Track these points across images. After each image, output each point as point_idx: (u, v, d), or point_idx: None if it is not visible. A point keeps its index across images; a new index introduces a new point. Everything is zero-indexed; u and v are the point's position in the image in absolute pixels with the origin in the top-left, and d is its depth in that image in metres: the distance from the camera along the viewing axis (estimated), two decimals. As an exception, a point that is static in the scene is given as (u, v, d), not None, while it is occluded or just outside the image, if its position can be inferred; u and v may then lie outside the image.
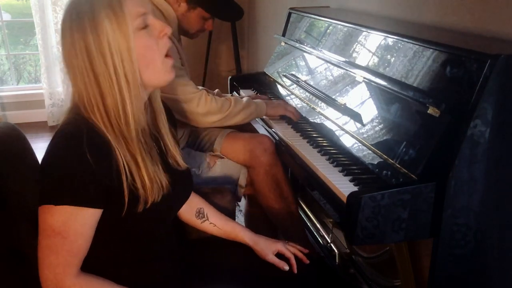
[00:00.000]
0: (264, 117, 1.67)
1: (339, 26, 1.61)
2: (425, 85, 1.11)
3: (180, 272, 1.07)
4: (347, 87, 1.40)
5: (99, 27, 0.84)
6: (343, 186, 1.09)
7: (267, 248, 1.14)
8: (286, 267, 1.11)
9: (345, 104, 1.35)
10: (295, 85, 1.69)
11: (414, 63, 1.17)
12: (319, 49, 1.67)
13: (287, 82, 1.77)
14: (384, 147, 1.11)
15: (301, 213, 1.96)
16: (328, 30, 1.69)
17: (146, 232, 0.98)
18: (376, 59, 1.35)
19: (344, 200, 1.01)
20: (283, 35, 2.04)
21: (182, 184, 1.04)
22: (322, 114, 1.46)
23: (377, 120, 1.20)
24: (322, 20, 1.74)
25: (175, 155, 1.03)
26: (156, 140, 1.00)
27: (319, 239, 1.88)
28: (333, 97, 1.42)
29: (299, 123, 1.57)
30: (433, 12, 1.46)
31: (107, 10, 0.84)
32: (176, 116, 1.48)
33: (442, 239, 1.00)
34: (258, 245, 1.14)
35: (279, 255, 1.14)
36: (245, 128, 1.75)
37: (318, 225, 1.92)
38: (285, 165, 1.58)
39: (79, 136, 0.83)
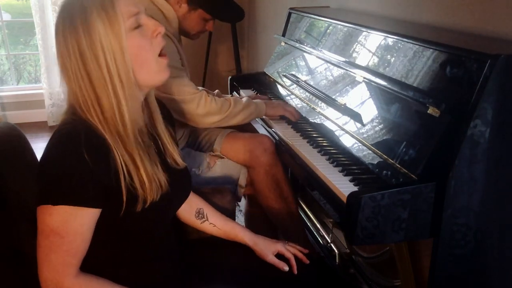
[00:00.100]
0: (264, 117, 1.67)
1: (339, 26, 1.61)
2: (425, 85, 1.11)
3: (179, 272, 1.06)
4: (347, 87, 1.40)
5: (91, 28, 0.84)
6: (343, 186, 1.09)
7: (267, 248, 1.14)
8: (286, 268, 1.11)
9: (345, 104, 1.35)
10: (295, 85, 1.69)
11: (414, 63, 1.17)
12: (319, 49, 1.67)
13: (287, 82, 1.77)
14: (384, 147, 1.11)
15: (301, 213, 1.96)
16: (328, 30, 1.69)
17: (145, 232, 0.97)
18: (376, 59, 1.35)
19: (344, 200, 1.01)
20: (283, 35, 2.04)
21: (181, 183, 1.04)
22: (322, 114, 1.46)
23: (377, 120, 1.20)
24: (322, 20, 1.74)
25: (173, 154, 1.03)
26: (154, 139, 1.00)
27: (319, 239, 1.88)
28: (333, 97, 1.42)
29: (299, 123, 1.57)
30: (433, 12, 1.46)
31: (99, 11, 0.84)
32: (176, 117, 1.48)
33: (442, 239, 1.00)
34: (258, 245, 1.14)
35: (279, 256, 1.14)
36: (245, 128, 1.75)
37: (318, 225, 1.92)
38: (285, 165, 1.58)
39: (77, 136, 0.83)
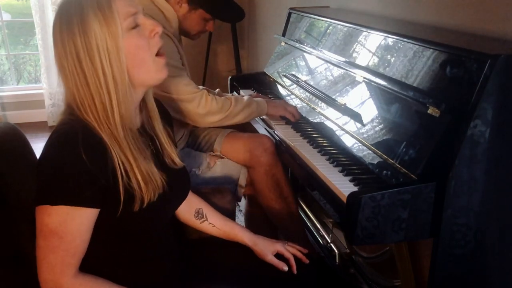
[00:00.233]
0: (264, 117, 1.67)
1: (339, 26, 1.61)
2: (425, 85, 1.11)
3: (179, 272, 1.06)
4: (347, 87, 1.40)
5: (87, 28, 0.84)
6: (343, 186, 1.09)
7: (266, 248, 1.14)
8: (285, 268, 1.11)
9: (345, 104, 1.35)
10: (295, 85, 1.69)
11: (414, 63, 1.17)
12: (319, 49, 1.67)
13: (287, 82, 1.77)
14: (384, 147, 1.11)
15: (301, 213, 1.96)
16: (328, 30, 1.69)
17: (144, 232, 0.97)
18: (376, 59, 1.35)
19: (344, 200, 1.01)
20: (283, 35, 2.04)
21: (179, 183, 1.04)
22: (322, 114, 1.46)
23: (377, 120, 1.20)
24: (322, 20, 1.74)
25: (171, 154, 1.03)
26: (152, 139, 1.00)
27: (319, 239, 1.88)
28: (333, 97, 1.42)
29: (299, 123, 1.57)
30: (433, 12, 1.46)
31: (95, 11, 0.84)
32: (177, 116, 1.48)
33: (442, 239, 1.00)
34: (257, 245, 1.14)
35: (279, 256, 1.14)
36: (246, 128, 1.75)
37: (318, 225, 1.92)
38: (285, 165, 1.58)
39: (74, 136, 0.83)
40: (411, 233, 0.99)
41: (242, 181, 1.59)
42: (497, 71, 0.93)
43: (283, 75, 1.81)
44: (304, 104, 1.60)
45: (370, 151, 1.16)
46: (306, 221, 2.00)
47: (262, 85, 2.02)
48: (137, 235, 0.97)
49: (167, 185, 0.94)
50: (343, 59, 1.49)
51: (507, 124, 0.96)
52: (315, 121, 1.50)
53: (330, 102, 1.42)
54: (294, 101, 1.68)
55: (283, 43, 1.99)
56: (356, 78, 1.37)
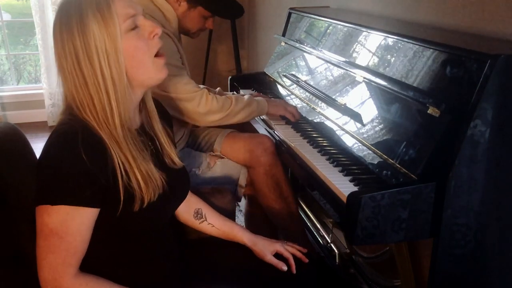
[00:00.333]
0: (264, 117, 1.67)
1: (339, 26, 1.61)
2: (425, 85, 1.11)
3: (179, 272, 1.06)
4: (347, 87, 1.40)
5: (86, 29, 0.84)
6: (343, 186, 1.09)
7: (266, 248, 1.14)
8: (285, 268, 1.11)
9: (345, 104, 1.35)
10: (295, 85, 1.69)
11: (414, 63, 1.17)
12: (319, 49, 1.67)
13: (287, 82, 1.77)
14: (384, 147, 1.11)
15: (301, 213, 1.96)
16: (328, 30, 1.69)
17: (144, 231, 0.97)
18: (376, 59, 1.34)
19: (344, 200, 1.01)
20: (283, 35, 2.04)
21: (179, 182, 1.04)
22: (322, 114, 1.46)
23: (377, 120, 1.20)
24: (322, 20, 1.74)
25: (170, 154, 1.03)
26: (151, 139, 1.01)
27: (319, 239, 1.88)
28: (333, 97, 1.42)
29: (299, 123, 1.57)
30: (433, 12, 1.46)
31: (94, 12, 0.84)
32: (177, 115, 1.48)
33: (442, 239, 1.00)
34: (257, 245, 1.14)
35: (278, 255, 1.14)
36: (246, 128, 1.75)
37: (318, 225, 1.92)
38: (285, 165, 1.58)
39: (74, 136, 0.83)
40: (411, 233, 0.99)
41: (242, 181, 1.59)
42: (497, 71, 0.93)
43: (283, 75, 1.81)
44: (304, 104, 1.60)
45: (370, 151, 1.16)
46: (306, 221, 2.00)
47: (262, 85, 2.02)
48: (137, 235, 0.97)
49: (167, 185, 0.94)
50: (343, 59, 1.49)
51: (507, 124, 0.96)
52: (315, 121, 1.50)
53: (330, 102, 1.42)
54: (294, 101, 1.68)
55: (283, 43, 1.99)
56: (356, 78, 1.37)
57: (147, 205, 0.90)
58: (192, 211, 1.18)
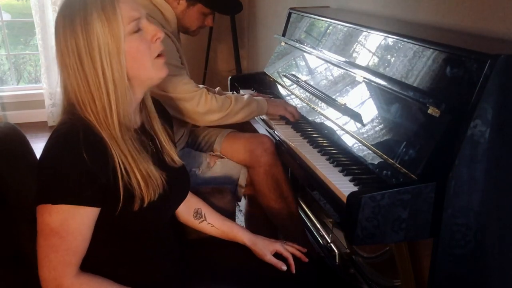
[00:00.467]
0: (264, 116, 1.67)
1: (339, 26, 1.61)
2: (425, 85, 1.11)
3: (179, 272, 1.06)
4: (347, 87, 1.40)
5: (90, 29, 0.84)
6: (343, 186, 1.09)
7: (265, 248, 1.14)
8: (284, 267, 1.11)
9: (345, 104, 1.35)
10: (295, 85, 1.69)
11: (414, 63, 1.17)
12: (319, 49, 1.67)
13: (287, 82, 1.77)
14: (384, 147, 1.11)
15: (301, 213, 1.96)
16: (328, 30, 1.69)
17: (144, 231, 0.98)
18: (376, 59, 1.34)
19: (344, 200, 1.01)
20: (283, 35, 2.04)
21: (179, 181, 1.04)
22: (322, 114, 1.46)
23: (377, 120, 1.20)
24: (322, 20, 1.74)
25: (170, 153, 1.03)
26: (152, 138, 1.01)
27: (319, 239, 1.88)
28: (333, 97, 1.42)
29: (299, 123, 1.57)
30: (433, 12, 1.46)
31: (99, 12, 0.84)
32: (176, 115, 1.48)
33: (442, 239, 1.00)
34: (256, 245, 1.14)
35: (278, 255, 1.14)
36: (246, 128, 1.75)
37: (318, 225, 1.92)
38: (285, 165, 1.58)
39: (75, 136, 0.83)
40: (411, 233, 0.99)
41: (242, 181, 1.59)
42: (497, 71, 0.93)
43: (283, 75, 1.81)
44: (304, 104, 1.60)
45: (370, 151, 1.16)
46: (306, 221, 2.00)
47: (262, 85, 2.02)
48: (138, 235, 0.97)
49: (167, 184, 0.94)
50: (343, 59, 1.49)
51: (507, 124, 0.96)
52: (315, 121, 1.50)
53: (330, 102, 1.42)
54: (294, 101, 1.68)
55: (283, 43, 1.99)
56: (356, 78, 1.37)
57: (148, 204, 0.90)
58: (192, 211, 1.18)
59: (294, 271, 1.12)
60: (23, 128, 1.08)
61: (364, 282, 1.58)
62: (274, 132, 1.58)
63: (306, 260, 1.16)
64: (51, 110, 3.54)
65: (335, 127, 1.37)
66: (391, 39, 1.30)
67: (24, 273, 0.97)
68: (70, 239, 0.84)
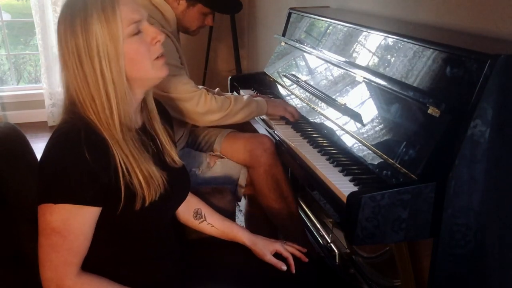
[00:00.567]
0: (264, 117, 1.67)
1: (339, 26, 1.61)
2: (425, 85, 1.11)
3: (180, 272, 1.07)
4: (347, 87, 1.40)
5: (89, 30, 0.84)
6: (343, 186, 1.09)
7: (265, 248, 1.14)
8: (284, 267, 1.11)
9: (345, 104, 1.35)
10: (295, 85, 1.69)
11: (414, 63, 1.17)
12: (319, 49, 1.67)
13: (287, 82, 1.77)
14: (384, 147, 1.11)
15: (301, 213, 1.96)
16: (328, 30, 1.69)
17: (145, 231, 0.98)
18: (376, 59, 1.34)
19: (344, 200, 1.01)
20: (283, 35, 2.04)
21: (180, 181, 1.05)
22: (322, 114, 1.46)
23: (377, 120, 1.20)
24: (322, 20, 1.74)
25: (171, 153, 1.03)
26: (152, 138, 1.01)
27: (319, 239, 1.88)
28: (333, 97, 1.42)
29: (299, 123, 1.57)
30: (433, 12, 1.46)
31: (99, 13, 0.85)
32: (176, 115, 1.48)
33: (442, 239, 1.00)
34: (256, 245, 1.14)
35: (278, 255, 1.14)
36: (245, 128, 1.75)
37: (318, 225, 1.92)
38: (285, 165, 1.58)
39: (77, 135, 0.84)
40: (411, 233, 0.99)
41: (242, 181, 1.59)
42: (497, 71, 0.93)
43: (283, 75, 1.81)
44: (304, 104, 1.60)
45: (370, 151, 1.16)
46: (306, 221, 2.00)
47: (262, 85, 2.02)
48: (139, 234, 0.97)
49: (168, 184, 0.94)
50: (343, 59, 1.49)
51: (507, 124, 0.96)
52: (315, 121, 1.50)
53: (330, 102, 1.42)
54: (294, 101, 1.68)
55: (283, 43, 1.99)
56: (356, 78, 1.37)
57: (149, 204, 0.90)
58: (192, 211, 1.18)
59: (294, 271, 1.12)
60: (23, 128, 1.08)
61: (364, 282, 1.58)
62: (274, 132, 1.58)
63: (306, 260, 1.16)
64: (51, 110, 3.54)
65: (335, 127, 1.37)
66: (391, 39, 1.30)
67: (24, 273, 0.97)
68: (72, 238, 0.84)
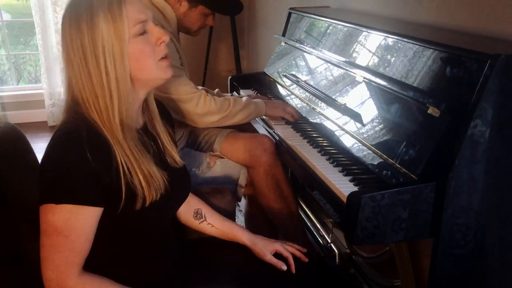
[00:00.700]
0: (264, 117, 1.67)
1: (339, 26, 1.61)
2: (425, 85, 1.11)
3: (180, 272, 1.07)
4: (347, 87, 1.40)
5: (95, 29, 0.84)
6: (343, 186, 1.09)
7: (265, 248, 1.14)
8: (284, 267, 1.11)
9: (345, 104, 1.35)
10: (295, 85, 1.69)
11: (414, 63, 1.17)
12: (319, 49, 1.67)
13: (287, 82, 1.77)
14: (384, 147, 1.11)
15: (301, 213, 1.96)
16: (328, 30, 1.69)
17: (146, 231, 0.98)
18: (376, 59, 1.34)
19: (344, 200, 1.01)
20: (283, 35, 2.04)
21: (180, 182, 1.05)
22: (322, 114, 1.46)
23: (377, 120, 1.20)
24: (322, 20, 1.74)
25: (172, 153, 1.04)
26: (154, 139, 1.01)
27: (319, 239, 1.88)
28: (333, 97, 1.42)
29: (299, 123, 1.57)
30: (433, 12, 1.46)
31: (105, 13, 0.85)
32: (175, 116, 1.48)
33: (442, 239, 1.00)
34: (256, 245, 1.14)
35: (278, 255, 1.14)
36: (245, 128, 1.75)
37: (318, 225, 1.92)
38: (285, 165, 1.58)
39: (79, 135, 0.84)
40: (411, 233, 0.99)
41: (242, 181, 1.59)
42: (497, 71, 0.93)
43: (283, 75, 1.81)
44: (304, 104, 1.60)
45: (370, 151, 1.16)
46: (306, 221, 2.00)
47: (262, 85, 2.02)
48: (140, 234, 0.97)
49: (168, 184, 0.94)
50: (343, 59, 1.49)
51: (507, 124, 0.96)
52: (315, 121, 1.50)
53: (330, 102, 1.42)
54: (294, 101, 1.68)
55: (283, 43, 1.99)
56: (356, 78, 1.37)
57: (149, 204, 0.90)
58: (192, 211, 1.18)
59: (294, 271, 1.12)
60: (23, 128, 1.08)
61: (364, 282, 1.58)
62: (274, 132, 1.58)
63: (306, 260, 1.16)
64: (51, 110, 3.54)
65: (335, 127, 1.37)
66: (391, 39, 1.30)
67: (24, 273, 0.97)
68: (74, 238, 0.84)
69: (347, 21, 1.57)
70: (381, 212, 0.96)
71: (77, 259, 0.86)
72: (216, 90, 1.83)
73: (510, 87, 0.94)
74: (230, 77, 2.12)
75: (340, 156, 1.26)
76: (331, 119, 1.39)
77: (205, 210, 1.19)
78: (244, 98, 1.59)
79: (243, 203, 1.98)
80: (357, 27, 1.48)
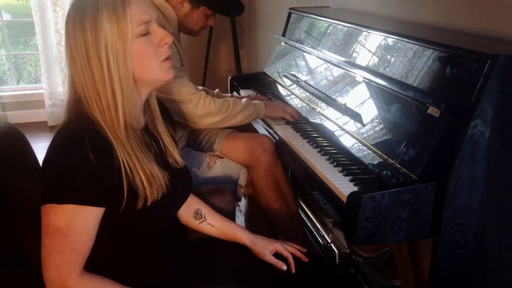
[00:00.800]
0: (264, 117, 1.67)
1: (339, 26, 1.61)
2: (425, 85, 1.11)
3: (180, 272, 1.07)
4: (347, 87, 1.40)
5: (99, 28, 0.85)
6: (343, 186, 1.09)
7: (265, 248, 1.14)
8: (284, 267, 1.11)
9: (345, 104, 1.35)
10: (295, 85, 1.69)
11: (414, 63, 1.17)
12: (319, 49, 1.67)
13: (287, 82, 1.77)
14: (384, 147, 1.11)
15: (301, 213, 1.96)
16: (328, 30, 1.69)
17: (147, 230, 0.98)
18: (376, 59, 1.35)
19: (344, 200, 1.01)
20: (283, 35, 2.04)
21: (182, 182, 1.05)
22: (322, 114, 1.46)
23: (377, 120, 1.20)
24: (322, 20, 1.74)
25: (173, 154, 1.04)
26: (155, 139, 1.01)
27: (319, 239, 1.88)
28: (333, 97, 1.42)
29: (299, 123, 1.57)
30: (433, 12, 1.46)
31: (109, 12, 0.85)
32: (175, 117, 1.48)
33: (442, 239, 1.00)
34: (256, 245, 1.14)
35: (278, 255, 1.14)
36: (245, 128, 1.75)
37: (318, 225, 1.92)
38: (285, 165, 1.58)
39: (81, 135, 0.84)
40: (411, 233, 0.99)
41: (242, 181, 1.59)
42: (497, 71, 0.93)
43: (283, 75, 1.81)
44: (304, 104, 1.60)
45: (370, 151, 1.16)
46: (306, 221, 2.00)
47: (262, 85, 2.02)
48: (141, 234, 0.97)
49: (170, 184, 0.94)
50: (343, 59, 1.49)
51: (507, 124, 0.96)
52: (315, 121, 1.50)
53: (330, 102, 1.42)
54: (294, 101, 1.68)
55: (283, 43, 1.99)
56: (356, 78, 1.37)
57: (151, 204, 0.90)
58: (192, 211, 1.18)
59: (294, 271, 1.12)
60: (23, 128, 1.08)
61: (364, 282, 1.58)
62: (274, 132, 1.58)
63: (306, 260, 1.16)
64: (51, 110, 3.54)
65: (335, 127, 1.37)
66: (391, 39, 1.30)
67: (24, 273, 0.97)
68: (75, 238, 0.84)
69: (347, 21, 1.57)
70: (381, 212, 0.96)
71: (78, 259, 0.86)
72: (216, 90, 1.83)
73: (510, 87, 0.94)
74: (230, 77, 2.12)
75: (340, 156, 1.26)
76: (331, 119, 1.39)
77: (205, 210, 1.19)
78: (243, 100, 1.59)
79: (243, 203, 1.98)
80: (357, 27, 1.48)
